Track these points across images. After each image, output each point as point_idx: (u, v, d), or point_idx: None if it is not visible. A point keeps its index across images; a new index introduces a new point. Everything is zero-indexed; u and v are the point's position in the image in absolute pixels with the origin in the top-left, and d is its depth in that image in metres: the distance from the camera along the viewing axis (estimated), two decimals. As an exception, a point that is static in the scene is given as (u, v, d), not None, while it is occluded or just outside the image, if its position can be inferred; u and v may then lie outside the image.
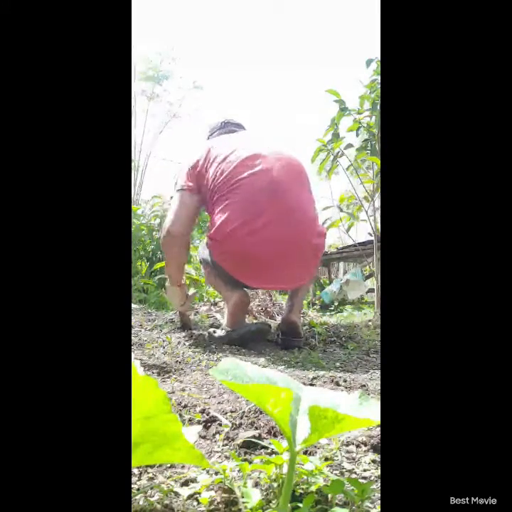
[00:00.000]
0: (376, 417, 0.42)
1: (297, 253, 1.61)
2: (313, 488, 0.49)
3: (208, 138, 2.02)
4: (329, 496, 0.49)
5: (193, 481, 0.54)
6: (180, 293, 1.80)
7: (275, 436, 0.67)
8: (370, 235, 3.19)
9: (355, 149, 2.97)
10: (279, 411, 0.43)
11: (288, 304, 1.79)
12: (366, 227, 3.19)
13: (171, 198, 1.78)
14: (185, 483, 0.53)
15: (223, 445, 0.66)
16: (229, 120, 2.04)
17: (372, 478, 0.55)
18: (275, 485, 0.51)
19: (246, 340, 1.63)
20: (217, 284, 1.78)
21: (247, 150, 1.67)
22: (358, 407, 0.45)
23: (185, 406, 0.80)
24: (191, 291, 2.22)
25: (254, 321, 2.08)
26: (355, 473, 0.57)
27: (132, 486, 0.53)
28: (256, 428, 0.69)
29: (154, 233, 3.88)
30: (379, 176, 2.81)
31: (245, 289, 1.72)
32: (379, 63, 2.72)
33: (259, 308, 2.35)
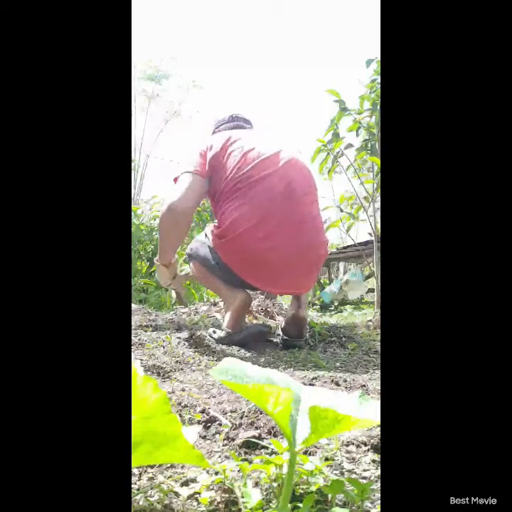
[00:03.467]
0: (376, 417, 0.42)
1: (305, 261, 1.62)
2: (313, 488, 0.49)
3: (214, 131, 1.98)
4: (329, 495, 0.49)
5: (193, 481, 0.54)
6: (167, 272, 1.79)
7: (275, 436, 0.67)
8: (370, 235, 3.18)
9: (355, 149, 2.97)
10: (279, 411, 0.43)
11: (294, 301, 1.78)
12: (366, 227, 3.19)
13: (176, 179, 1.68)
14: (185, 483, 0.53)
15: (223, 445, 0.66)
16: (237, 114, 2.01)
17: (372, 478, 0.55)
18: (275, 485, 0.51)
19: (246, 342, 1.62)
20: (215, 284, 1.76)
21: (267, 150, 1.65)
22: (358, 407, 0.45)
23: (185, 406, 0.80)
24: (184, 271, 2.14)
25: (254, 322, 2.07)
26: (355, 473, 0.57)
27: (132, 486, 0.53)
28: (256, 428, 0.69)
29: (154, 233, 3.88)
30: (379, 176, 2.81)
31: (247, 289, 1.72)
32: (379, 63, 2.72)
33: (259, 309, 2.35)
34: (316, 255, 1.67)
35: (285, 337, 1.71)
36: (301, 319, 1.71)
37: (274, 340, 1.77)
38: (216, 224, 1.70)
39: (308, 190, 1.68)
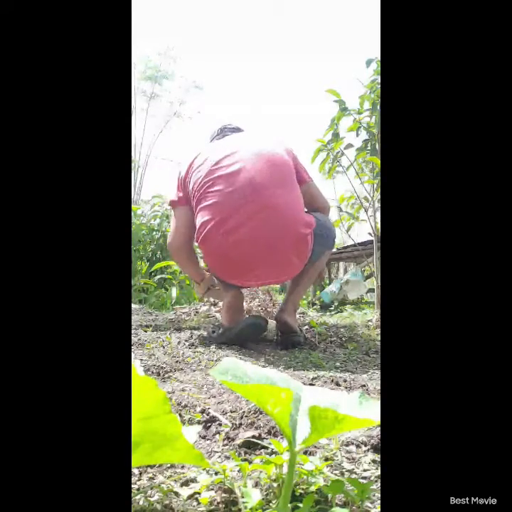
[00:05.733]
0: (376, 417, 0.42)
1: (279, 249, 1.58)
2: (313, 488, 0.49)
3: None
4: (329, 495, 0.49)
5: (193, 481, 0.54)
6: (200, 288, 1.97)
7: (275, 436, 0.67)
8: (370, 235, 3.18)
9: (355, 149, 2.97)
10: (279, 411, 0.43)
11: (284, 300, 1.79)
12: (366, 227, 3.19)
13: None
14: (185, 483, 0.53)
15: (223, 445, 0.66)
16: (226, 125, 2.04)
17: (372, 478, 0.55)
18: (275, 485, 0.51)
19: (244, 335, 1.62)
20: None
21: (222, 151, 1.68)
22: (358, 407, 0.45)
23: (185, 406, 0.80)
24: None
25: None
26: (355, 473, 0.57)
27: (132, 486, 0.53)
28: (256, 428, 0.69)
29: (154, 233, 3.88)
30: (379, 176, 2.80)
31: (242, 287, 1.73)
32: (379, 63, 2.72)
33: (259, 308, 2.35)
34: (294, 239, 1.60)
35: (280, 333, 1.71)
36: (281, 322, 1.70)
37: (274, 338, 1.77)
38: None
39: (276, 177, 1.63)
